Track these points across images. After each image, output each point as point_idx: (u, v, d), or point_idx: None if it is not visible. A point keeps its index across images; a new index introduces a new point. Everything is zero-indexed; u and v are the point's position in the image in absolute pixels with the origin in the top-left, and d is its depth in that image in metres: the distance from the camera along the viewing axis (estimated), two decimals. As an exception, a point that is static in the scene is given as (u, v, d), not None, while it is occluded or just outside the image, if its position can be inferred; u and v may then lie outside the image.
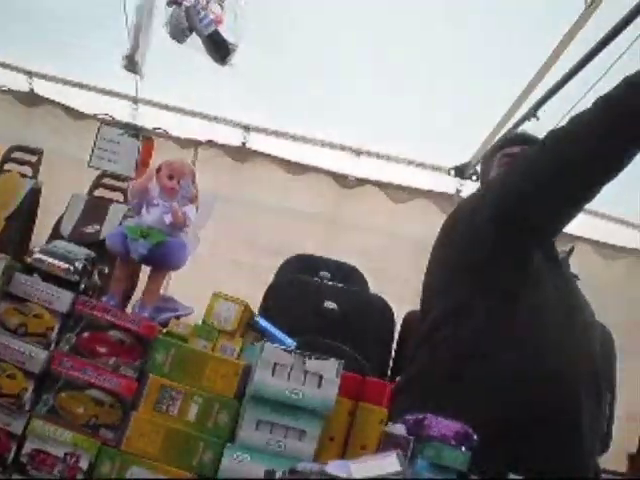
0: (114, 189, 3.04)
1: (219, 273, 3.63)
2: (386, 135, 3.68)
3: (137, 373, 1.38)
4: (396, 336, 3.17)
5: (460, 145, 3.61)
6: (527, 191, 1.88)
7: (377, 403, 1.47)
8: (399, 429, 1.44)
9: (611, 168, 1.82)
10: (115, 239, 1.48)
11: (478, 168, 3.83)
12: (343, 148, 3.81)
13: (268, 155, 3.75)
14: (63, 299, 1.39)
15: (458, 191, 3.91)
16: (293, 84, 3.54)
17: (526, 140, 2.32)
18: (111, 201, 3.30)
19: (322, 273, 3.45)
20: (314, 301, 3.21)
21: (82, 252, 1.46)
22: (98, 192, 3.10)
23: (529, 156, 1.98)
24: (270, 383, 1.33)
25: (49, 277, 1.40)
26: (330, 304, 3.28)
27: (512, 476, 1.51)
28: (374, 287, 3.47)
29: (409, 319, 3.19)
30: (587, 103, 2.91)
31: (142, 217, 1.49)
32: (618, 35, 2.62)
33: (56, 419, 1.34)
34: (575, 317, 2.04)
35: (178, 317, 1.54)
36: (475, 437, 1.49)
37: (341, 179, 3.87)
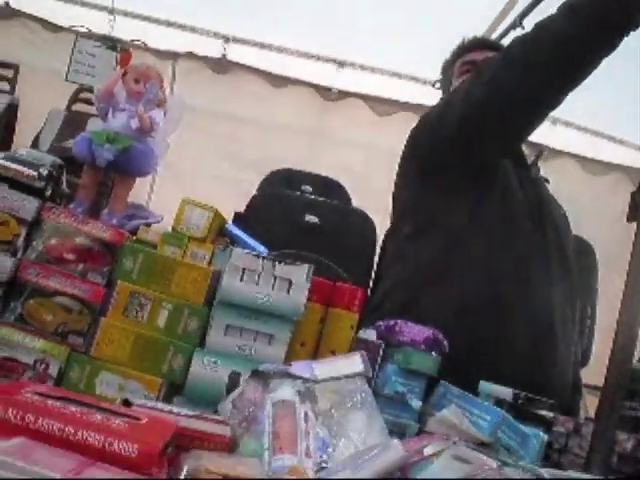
0: (92, 103, 2.97)
1: (202, 188, 3.60)
2: (370, 46, 3.60)
3: (105, 280, 1.37)
4: (378, 250, 3.16)
5: (441, 56, 3.54)
6: (492, 100, 1.85)
7: (348, 308, 1.47)
8: (370, 334, 1.45)
9: (576, 75, 1.79)
10: (81, 145, 1.44)
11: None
12: (326, 60, 3.73)
13: (249, 67, 3.67)
14: (29, 206, 1.36)
15: (442, 104, 3.84)
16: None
17: (484, 45, 2.26)
18: (89, 115, 3.24)
19: (304, 187, 3.42)
20: (295, 215, 3.19)
21: (48, 159, 1.43)
22: (76, 106, 3.04)
23: (493, 64, 1.94)
24: (238, 288, 1.33)
25: (16, 185, 1.38)
26: (311, 217, 3.26)
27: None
28: (356, 201, 3.45)
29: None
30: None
31: (108, 122, 1.46)
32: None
33: (25, 327, 1.34)
34: (546, 226, 2.04)
35: (148, 225, 1.52)
36: (445, 343, 1.50)
37: (324, 91, 3.80)
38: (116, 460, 0.63)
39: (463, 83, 2.10)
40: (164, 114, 1.48)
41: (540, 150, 2.34)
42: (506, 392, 1.52)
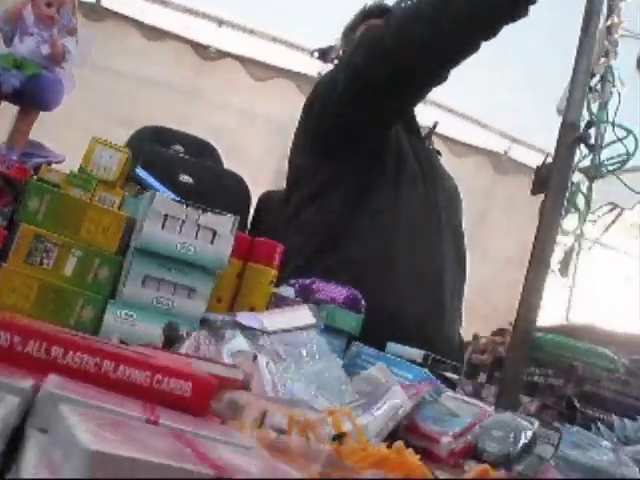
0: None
1: (69, 141, 3.35)
2: (252, 8, 3.50)
3: (6, 221, 1.22)
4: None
5: (327, 27, 3.50)
6: (401, 50, 1.85)
7: (267, 264, 1.40)
8: (288, 291, 1.39)
9: (458, 51, 1.83)
10: (-19, 68, 1.28)
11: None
12: (205, 16, 3.58)
13: (125, 16, 3.46)
14: None
15: (319, 74, 3.81)
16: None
17: (387, 12, 2.25)
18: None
19: (175, 146, 3.30)
20: (168, 174, 3.06)
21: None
22: None
23: (376, 34, 1.94)
24: (159, 236, 1.22)
25: None
26: (185, 177, 3.14)
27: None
28: (228, 165, 3.36)
29: (264, 199, 3.13)
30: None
31: (14, 47, 1.29)
32: None
33: None
34: (437, 195, 2.07)
35: (49, 164, 1.38)
36: (363, 302, 1.48)
37: (201, 49, 3.66)
38: (167, 400, 0.53)
39: (347, 52, 2.09)
40: (76, 43, 1.34)
41: (434, 123, 2.36)
42: (416, 353, 1.52)
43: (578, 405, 1.60)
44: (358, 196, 1.99)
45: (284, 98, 3.71)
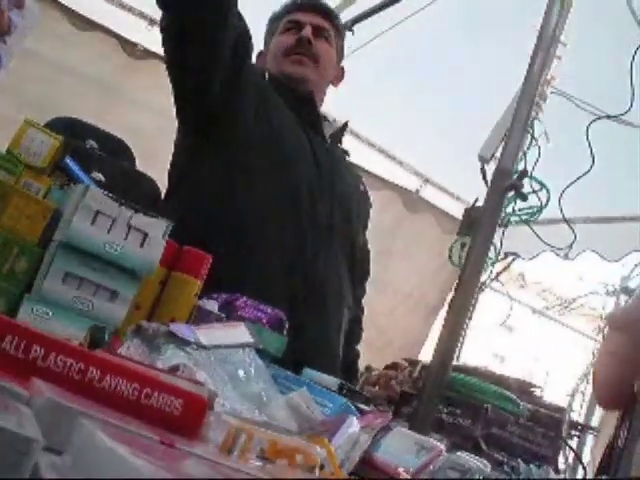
0: None
1: (-30, 121, 3.18)
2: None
3: None
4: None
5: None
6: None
7: (193, 274, 1.35)
8: (211, 305, 1.35)
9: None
10: None
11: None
12: (138, 13, 3.48)
13: (54, 0, 3.31)
14: None
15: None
16: None
17: (314, 7, 2.24)
18: None
19: (89, 141, 3.18)
20: (81, 169, 2.95)
21: None
22: None
23: None
24: (87, 232, 1.15)
25: None
26: (97, 175, 3.03)
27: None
28: (142, 166, 3.25)
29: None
30: (405, 28, 2.92)
31: (-49, 10, 1.20)
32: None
33: None
34: (318, 189, 2.06)
35: (-28, 142, 1.28)
36: (287, 324, 1.44)
37: (129, 46, 3.54)
38: (153, 415, 0.47)
39: None
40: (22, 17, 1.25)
41: (344, 123, 2.36)
42: (332, 381, 1.49)
43: (485, 447, 1.61)
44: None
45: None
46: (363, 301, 2.36)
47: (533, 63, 1.81)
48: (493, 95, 3.05)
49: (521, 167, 1.96)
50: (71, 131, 3.19)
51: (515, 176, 1.66)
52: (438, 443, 0.91)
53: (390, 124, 3.92)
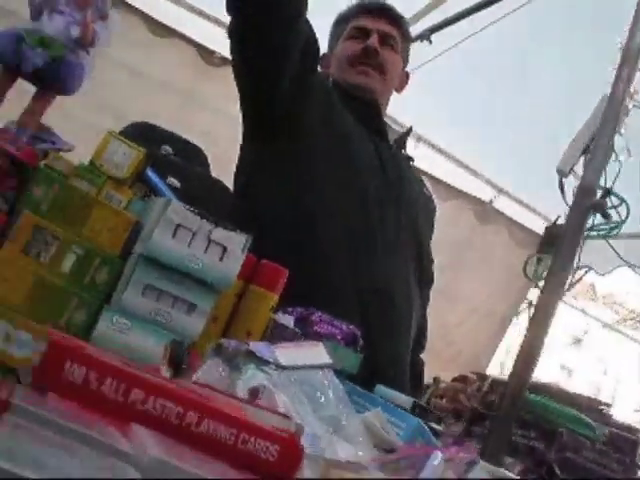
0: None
1: (53, 126, 3.26)
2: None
3: (8, 205, 1.15)
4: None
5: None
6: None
7: (269, 288, 1.34)
8: (287, 320, 1.34)
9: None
10: (6, 42, 1.20)
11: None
12: (215, 21, 3.52)
13: (133, 7, 3.37)
14: None
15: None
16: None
17: (383, 11, 2.20)
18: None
19: (164, 147, 3.23)
20: (157, 175, 3.00)
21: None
22: None
23: None
24: (168, 246, 1.16)
25: None
26: (172, 180, 3.07)
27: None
28: (216, 174, 3.29)
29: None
30: (483, 37, 2.88)
31: (41, 23, 1.22)
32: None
33: None
34: (385, 195, 2.03)
35: (57, 151, 1.31)
36: (362, 341, 1.42)
37: (207, 54, 3.59)
38: (249, 462, 0.47)
39: None
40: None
41: (408, 128, 2.33)
42: (405, 400, 1.47)
43: (559, 472, 1.56)
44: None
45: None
46: (429, 310, 2.32)
47: (618, 80, 1.76)
48: (571, 106, 2.98)
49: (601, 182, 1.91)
50: (147, 136, 3.24)
51: (598, 195, 1.60)
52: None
53: (465, 133, 3.87)
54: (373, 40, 2.10)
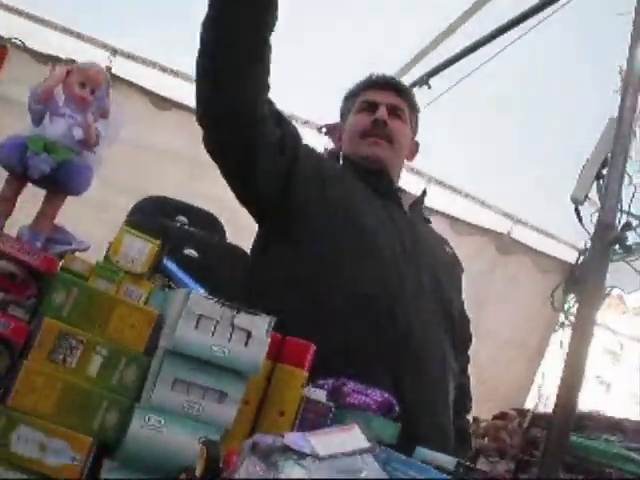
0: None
1: (66, 210, 3.30)
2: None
3: (29, 315, 1.15)
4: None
5: (327, 105, 3.51)
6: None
7: (298, 365, 1.33)
8: (319, 394, 1.32)
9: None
10: (10, 151, 1.21)
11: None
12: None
13: (133, 83, 3.42)
14: (-58, 219, 1.12)
15: (325, 149, 3.79)
16: (162, 13, 3.26)
17: (389, 84, 2.27)
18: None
19: (179, 217, 3.25)
20: (173, 247, 3.01)
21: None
22: None
23: None
24: (193, 337, 1.15)
25: None
26: (190, 251, 3.09)
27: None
28: (231, 239, 3.31)
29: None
30: (484, 75, 2.89)
31: (43, 128, 1.24)
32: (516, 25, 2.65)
33: None
34: (414, 260, 2.02)
35: (73, 252, 1.31)
36: (397, 408, 1.40)
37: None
38: None
39: None
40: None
41: (423, 191, 2.35)
42: (447, 460, 1.44)
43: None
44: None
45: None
46: (470, 369, 2.30)
47: (623, 105, 1.75)
48: (577, 130, 2.98)
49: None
50: (161, 209, 3.28)
51: (619, 228, 1.59)
52: None
53: (474, 168, 3.87)
54: (382, 112, 2.18)
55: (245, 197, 2.06)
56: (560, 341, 3.80)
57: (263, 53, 1.85)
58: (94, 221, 3.23)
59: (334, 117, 2.54)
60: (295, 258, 1.96)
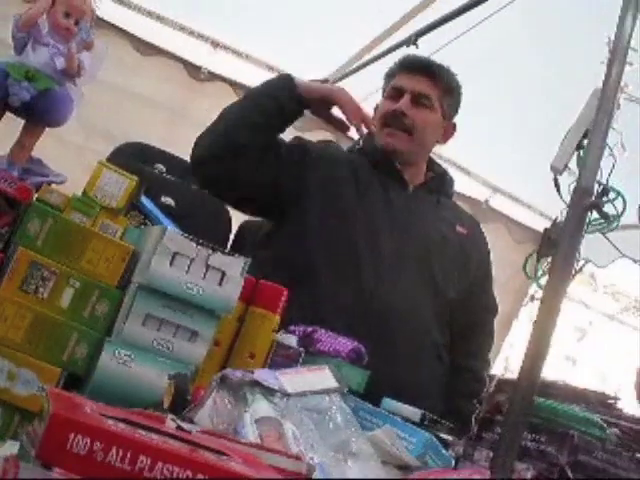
0: None
1: (43, 151, 3.25)
2: (249, 32, 3.44)
3: (3, 244, 1.14)
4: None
5: (324, 57, 3.46)
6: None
7: (271, 309, 1.33)
8: (290, 339, 1.33)
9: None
10: (-9, 77, 1.19)
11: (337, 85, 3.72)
12: (200, 37, 3.51)
13: (118, 27, 3.36)
14: None
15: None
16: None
17: (420, 69, 2.24)
18: None
19: (158, 166, 3.22)
20: (151, 195, 2.99)
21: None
22: None
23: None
24: (167, 274, 1.15)
25: None
26: (167, 199, 3.07)
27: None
28: (210, 189, 3.26)
29: (244, 227, 3.07)
30: (471, 37, 2.86)
31: (26, 56, 1.21)
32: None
33: None
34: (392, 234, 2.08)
35: (49, 184, 1.30)
36: (366, 357, 1.41)
37: (193, 70, 3.57)
38: None
39: None
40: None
41: (433, 176, 2.34)
42: (412, 412, 1.45)
43: (571, 476, 1.55)
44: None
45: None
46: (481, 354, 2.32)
47: (609, 75, 1.74)
48: (560, 100, 2.98)
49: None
50: (140, 156, 3.24)
51: (595, 194, 1.59)
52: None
53: (456, 133, 3.86)
54: (403, 102, 2.17)
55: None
56: (532, 296, 3.85)
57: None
58: (72, 164, 3.19)
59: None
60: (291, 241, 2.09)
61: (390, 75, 2.26)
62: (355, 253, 2.03)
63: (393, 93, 2.21)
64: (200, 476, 0.45)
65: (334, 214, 2.08)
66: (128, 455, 0.43)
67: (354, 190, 2.13)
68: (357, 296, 1.97)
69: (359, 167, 2.19)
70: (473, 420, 1.83)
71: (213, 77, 3.63)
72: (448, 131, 2.33)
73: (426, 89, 2.21)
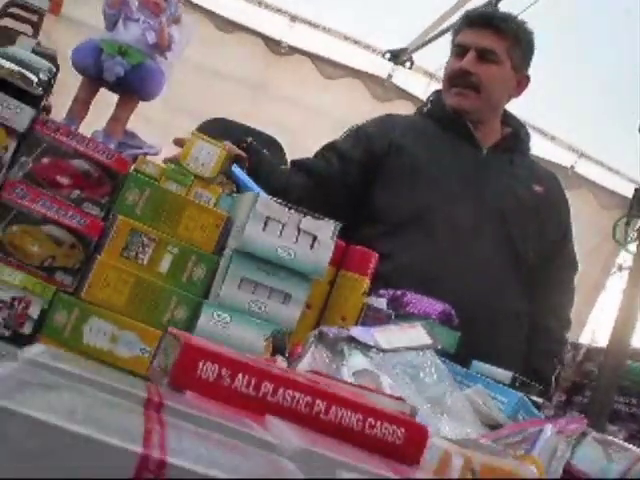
0: (23, 20, 2.71)
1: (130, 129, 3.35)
2: (327, 5, 3.45)
3: (104, 212, 1.19)
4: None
5: (401, 28, 3.44)
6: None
7: (361, 273, 1.35)
8: (380, 302, 1.35)
9: None
10: (86, 54, 1.24)
11: (414, 55, 3.69)
12: (279, 11, 3.54)
13: (198, 5, 3.42)
14: (22, 115, 1.15)
15: (390, 76, 3.75)
16: None
17: (484, 23, 2.19)
18: (19, 33, 2.94)
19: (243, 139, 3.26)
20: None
21: (44, 63, 1.22)
22: (3, 22, 2.74)
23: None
24: (260, 238, 1.18)
25: (6, 88, 1.16)
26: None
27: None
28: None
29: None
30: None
31: (117, 32, 1.26)
32: None
33: (4, 257, 1.14)
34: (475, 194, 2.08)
35: (144, 155, 1.35)
36: (456, 318, 1.42)
37: (272, 44, 3.61)
38: (376, 446, 0.49)
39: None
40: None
41: (504, 135, 2.30)
42: (504, 375, 1.46)
43: (662, 437, 1.53)
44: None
45: (353, 98, 3.66)
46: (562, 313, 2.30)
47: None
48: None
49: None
50: (225, 132, 3.29)
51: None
52: (634, 448, 0.87)
53: (540, 98, 3.78)
54: (467, 60, 2.13)
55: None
56: (619, 265, 3.76)
57: None
58: (159, 142, 3.27)
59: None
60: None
61: (456, 32, 2.22)
62: (430, 221, 2.04)
63: (458, 51, 2.17)
64: (319, 401, 0.47)
65: (407, 181, 2.09)
66: (253, 381, 0.46)
67: (425, 154, 2.12)
68: (432, 263, 1.97)
69: (426, 130, 2.17)
70: (553, 380, 1.82)
71: (293, 51, 3.65)
72: (521, 83, 2.24)
73: (490, 43, 2.15)
